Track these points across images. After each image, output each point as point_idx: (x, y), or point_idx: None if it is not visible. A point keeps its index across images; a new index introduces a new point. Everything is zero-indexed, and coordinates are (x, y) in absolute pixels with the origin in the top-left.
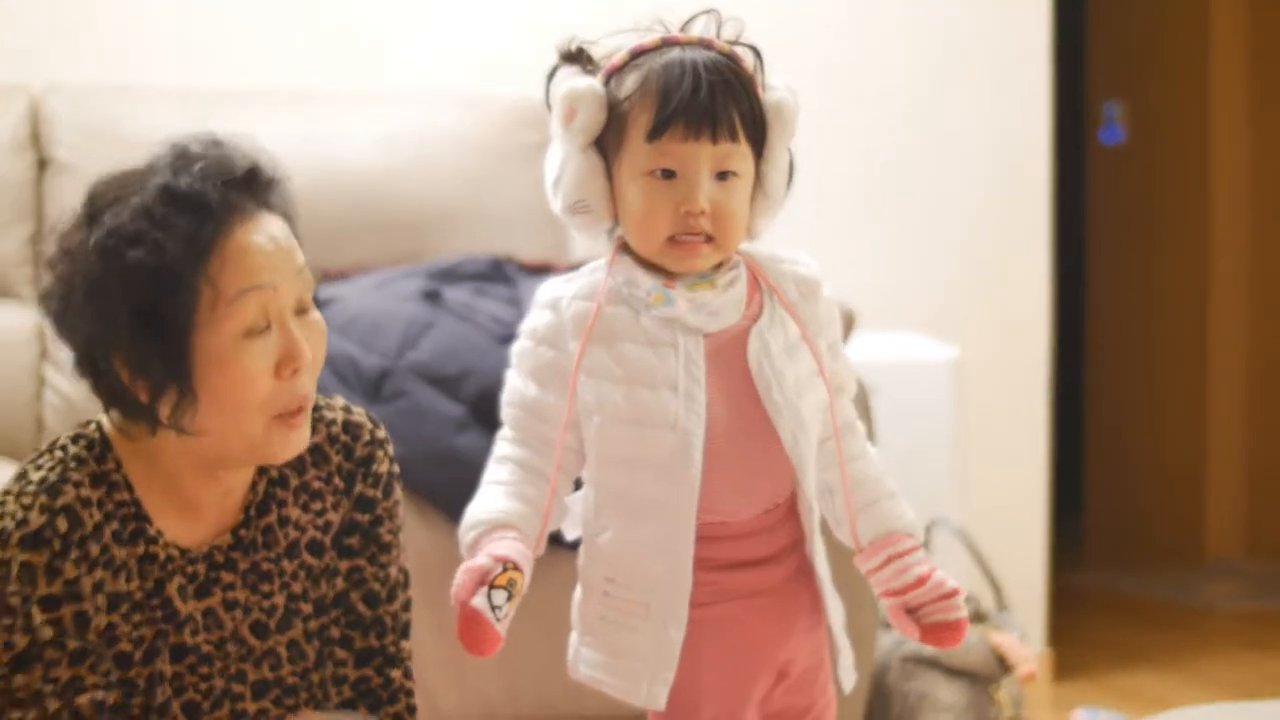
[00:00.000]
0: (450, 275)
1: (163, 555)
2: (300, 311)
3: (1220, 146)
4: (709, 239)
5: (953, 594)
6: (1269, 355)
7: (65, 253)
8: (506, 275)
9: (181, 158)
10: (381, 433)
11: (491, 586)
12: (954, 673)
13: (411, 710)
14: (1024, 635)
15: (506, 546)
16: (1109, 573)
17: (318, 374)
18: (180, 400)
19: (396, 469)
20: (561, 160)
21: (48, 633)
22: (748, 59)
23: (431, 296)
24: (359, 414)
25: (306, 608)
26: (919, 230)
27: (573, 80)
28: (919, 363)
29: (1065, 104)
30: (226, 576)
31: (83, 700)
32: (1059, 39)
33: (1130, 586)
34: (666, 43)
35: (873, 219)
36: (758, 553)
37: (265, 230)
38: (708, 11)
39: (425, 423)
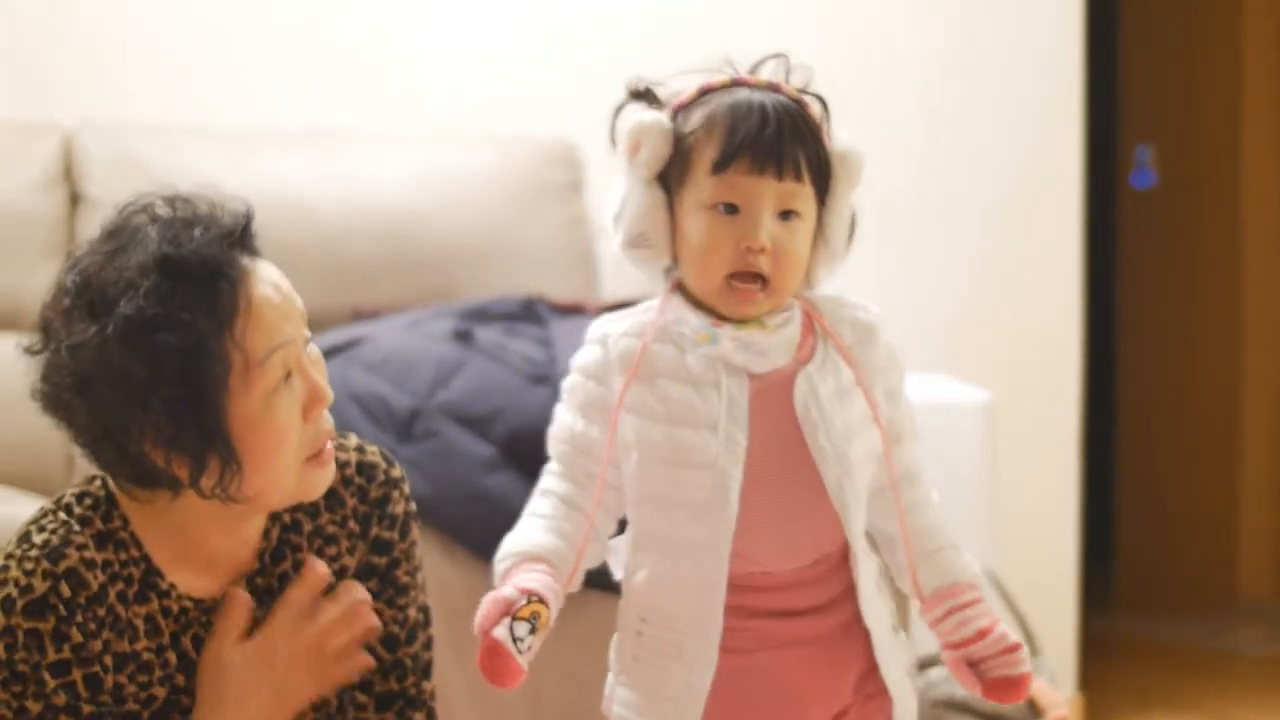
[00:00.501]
0: (481, 315)
1: (176, 609)
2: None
3: (1252, 191)
4: (764, 284)
5: (1015, 648)
6: None
7: (72, 349)
8: (538, 315)
9: (174, 224)
10: (397, 471)
11: (514, 618)
12: (986, 717)
13: None
14: (1054, 679)
15: (534, 579)
16: (1139, 617)
17: None
18: (224, 471)
19: (413, 507)
20: (624, 194)
21: (61, 698)
22: (814, 107)
23: (463, 336)
24: (373, 452)
25: None
26: (952, 273)
27: (639, 114)
28: (951, 405)
29: (1097, 147)
30: None
31: None
32: (1090, 82)
33: (1161, 631)
34: (736, 83)
35: (905, 261)
36: (804, 603)
37: (268, 280)
38: (777, 55)
39: (455, 463)
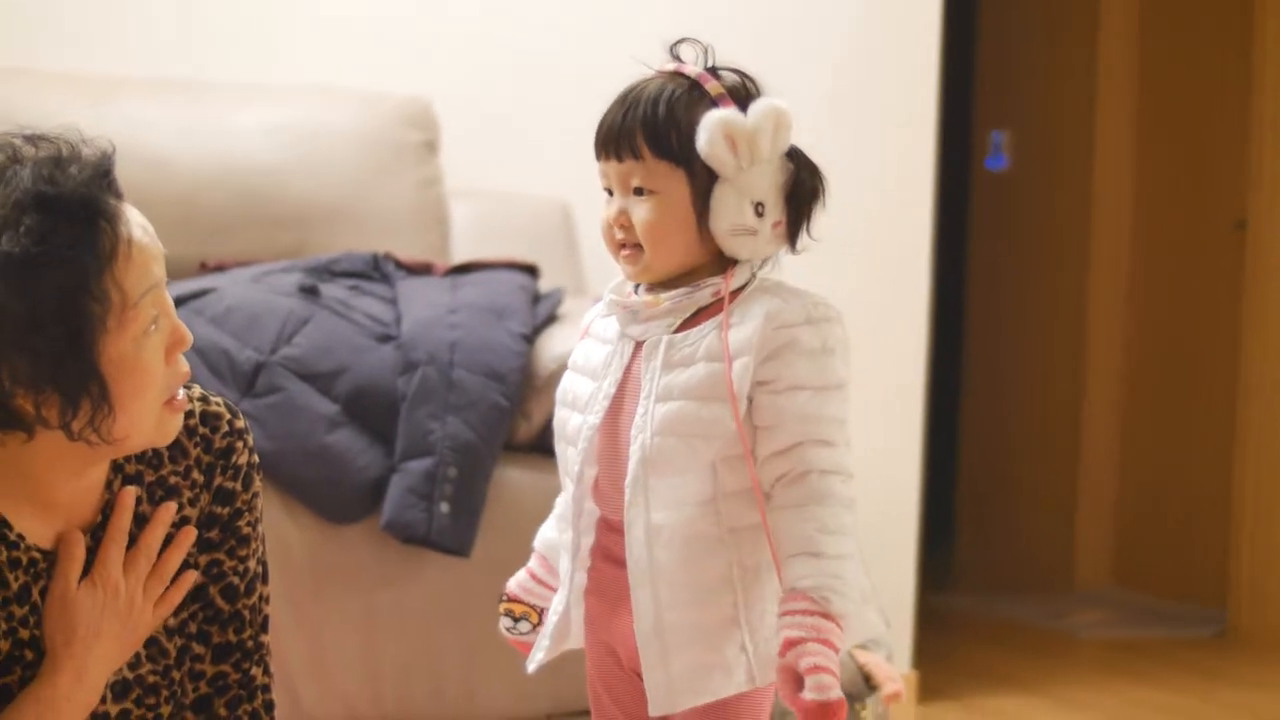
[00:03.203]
0: (329, 271)
1: (25, 559)
2: None
3: (1104, 175)
4: (637, 247)
5: (815, 670)
6: (1145, 386)
7: None
8: (385, 273)
9: (45, 163)
10: (240, 422)
11: (501, 613)
12: None
13: (270, 706)
14: (891, 655)
15: (517, 578)
16: (978, 597)
17: None
18: (95, 412)
19: (256, 459)
20: None
21: None
22: (712, 84)
23: (309, 291)
24: (216, 403)
25: None
26: (804, 255)
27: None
28: None
29: (952, 132)
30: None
31: None
32: (946, 67)
33: (999, 611)
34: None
35: None
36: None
37: (137, 222)
38: (684, 40)
39: (297, 419)
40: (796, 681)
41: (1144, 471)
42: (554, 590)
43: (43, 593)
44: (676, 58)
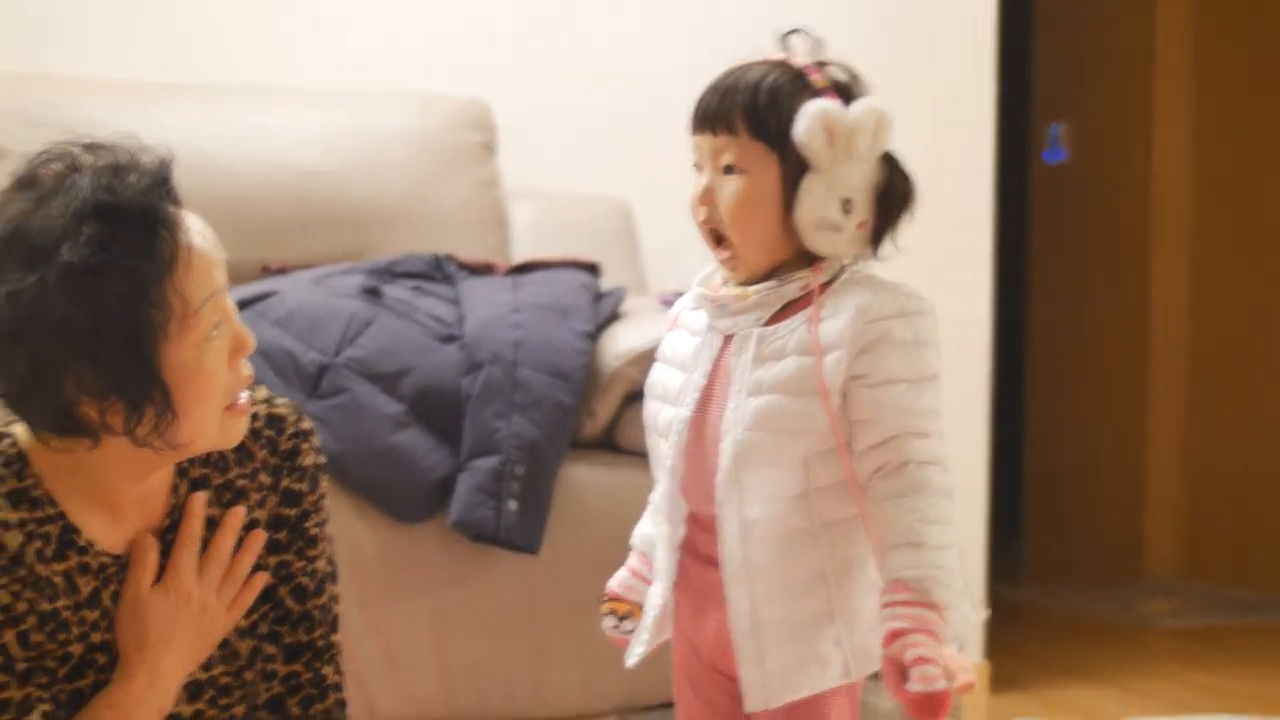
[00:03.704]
0: (390, 272)
1: (95, 565)
2: None
3: (1162, 168)
4: (728, 244)
5: (921, 661)
6: (1210, 375)
7: (9, 298)
8: (446, 274)
9: (105, 172)
10: (306, 423)
11: (604, 613)
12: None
13: (342, 705)
14: (963, 646)
15: (618, 577)
16: (1048, 589)
17: None
18: (160, 417)
19: (323, 459)
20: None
21: None
22: (817, 77)
23: (371, 293)
24: (282, 405)
25: None
26: (883, 260)
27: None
28: None
29: (1010, 124)
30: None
31: (33, 718)
32: (1004, 59)
33: (1068, 603)
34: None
35: None
36: (708, 549)
37: (196, 229)
38: (794, 30)
39: (363, 420)
40: (901, 673)
41: (1210, 460)
42: None
43: (113, 597)
44: (786, 47)
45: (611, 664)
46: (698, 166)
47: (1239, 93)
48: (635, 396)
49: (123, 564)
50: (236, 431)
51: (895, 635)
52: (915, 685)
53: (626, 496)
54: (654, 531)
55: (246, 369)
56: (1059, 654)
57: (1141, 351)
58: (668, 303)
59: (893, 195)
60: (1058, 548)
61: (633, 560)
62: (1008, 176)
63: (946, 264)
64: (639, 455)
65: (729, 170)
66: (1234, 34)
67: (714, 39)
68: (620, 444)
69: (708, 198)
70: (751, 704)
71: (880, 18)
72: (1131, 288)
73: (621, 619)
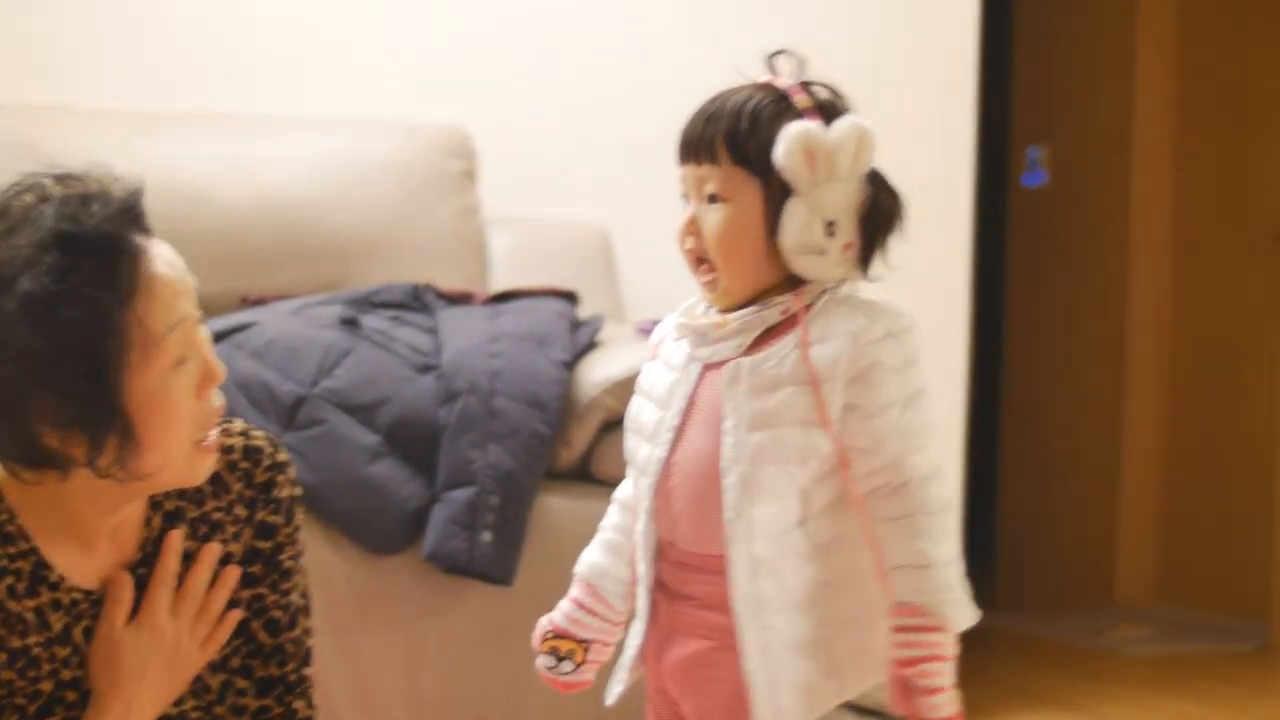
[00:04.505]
0: (369, 302)
1: (67, 600)
2: None
3: (1142, 189)
4: (705, 263)
5: (934, 691)
6: (1185, 403)
7: None
8: (425, 303)
9: (70, 201)
10: (282, 455)
11: (540, 652)
12: (864, 712)
13: None
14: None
15: (561, 610)
16: (1020, 615)
17: None
18: (123, 448)
19: (299, 492)
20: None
21: None
22: (801, 98)
23: (349, 323)
24: (258, 437)
25: None
26: (874, 281)
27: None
28: None
29: (989, 148)
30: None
31: None
32: (983, 83)
33: (1041, 629)
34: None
35: None
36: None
37: (163, 258)
38: (780, 52)
39: (339, 451)
40: (910, 693)
41: (1185, 486)
42: (605, 620)
43: (84, 633)
44: (771, 69)
45: (584, 696)
46: (685, 196)
47: (1219, 117)
48: (612, 426)
49: (94, 600)
50: (204, 468)
51: (908, 663)
52: (930, 714)
53: None
54: (606, 562)
55: (218, 399)
56: (1030, 681)
57: (1118, 377)
58: (645, 331)
59: (877, 214)
60: (1030, 574)
61: (579, 591)
62: (986, 201)
63: (924, 289)
64: (614, 486)
65: (713, 199)
66: (1215, 58)
67: (694, 67)
68: (595, 474)
69: (693, 228)
70: None
71: (860, 42)
72: (1109, 311)
73: (561, 659)
